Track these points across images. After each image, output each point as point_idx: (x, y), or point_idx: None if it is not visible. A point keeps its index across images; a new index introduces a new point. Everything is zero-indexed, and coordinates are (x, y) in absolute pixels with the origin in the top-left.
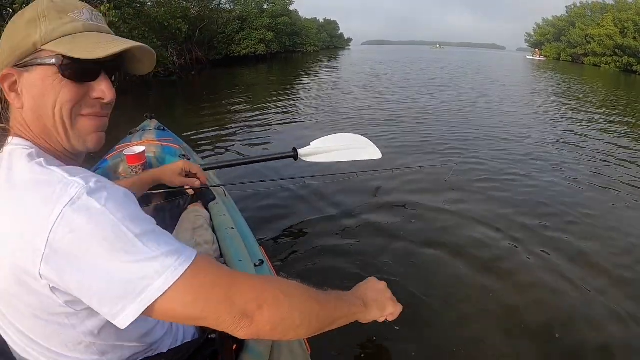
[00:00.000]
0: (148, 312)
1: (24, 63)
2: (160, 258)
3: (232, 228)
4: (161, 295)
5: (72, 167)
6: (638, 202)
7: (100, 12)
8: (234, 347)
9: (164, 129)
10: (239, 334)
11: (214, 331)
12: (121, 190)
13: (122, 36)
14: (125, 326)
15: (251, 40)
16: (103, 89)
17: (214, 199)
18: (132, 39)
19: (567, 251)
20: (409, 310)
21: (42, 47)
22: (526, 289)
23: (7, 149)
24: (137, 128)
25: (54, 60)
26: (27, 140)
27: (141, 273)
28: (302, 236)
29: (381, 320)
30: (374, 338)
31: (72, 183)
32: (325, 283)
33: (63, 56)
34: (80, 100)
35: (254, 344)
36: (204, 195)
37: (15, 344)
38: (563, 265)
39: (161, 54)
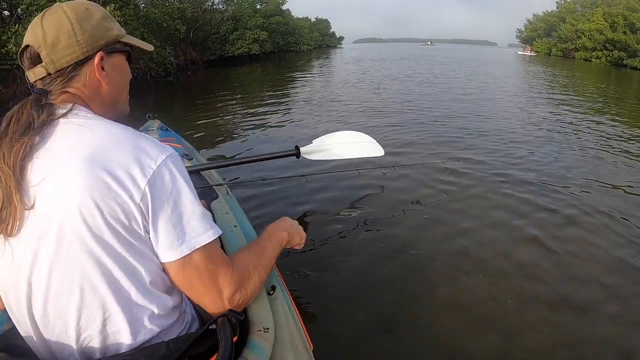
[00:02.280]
0: (190, 255)
1: (111, 49)
2: (210, 217)
3: (235, 226)
4: (203, 245)
5: None
6: None
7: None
8: (235, 339)
9: (167, 129)
10: (213, 309)
11: (215, 322)
12: None
13: None
14: (174, 259)
15: (245, 40)
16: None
17: (217, 197)
18: None
19: (576, 242)
20: (410, 307)
21: (120, 40)
22: (536, 282)
23: (75, 113)
24: (140, 128)
25: (127, 49)
26: (91, 110)
27: (203, 220)
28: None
29: (298, 247)
30: (375, 335)
31: (167, 146)
32: (324, 279)
33: (131, 46)
34: None
35: (257, 341)
36: (206, 194)
37: (91, 293)
38: (570, 255)
39: (161, 55)
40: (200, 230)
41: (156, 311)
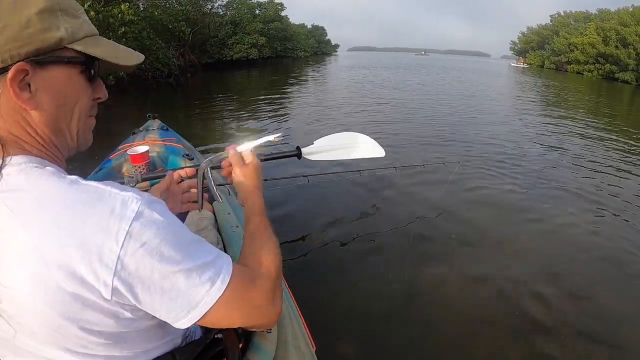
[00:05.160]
0: (204, 316)
1: (43, 59)
2: (215, 262)
3: (237, 226)
4: (220, 298)
5: (107, 181)
6: None
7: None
8: (240, 345)
9: (167, 129)
10: (260, 327)
11: (220, 331)
12: (162, 201)
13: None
14: (187, 325)
15: (243, 44)
16: (103, 90)
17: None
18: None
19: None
20: (413, 308)
21: (68, 45)
22: (539, 277)
23: (9, 170)
24: (141, 128)
25: (81, 60)
26: (28, 153)
27: (204, 277)
28: (306, 234)
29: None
30: (378, 335)
31: (129, 198)
32: (326, 280)
33: (89, 57)
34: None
35: (260, 342)
36: (208, 195)
37: None
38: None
39: (166, 55)
40: (206, 288)
41: (161, 342)
